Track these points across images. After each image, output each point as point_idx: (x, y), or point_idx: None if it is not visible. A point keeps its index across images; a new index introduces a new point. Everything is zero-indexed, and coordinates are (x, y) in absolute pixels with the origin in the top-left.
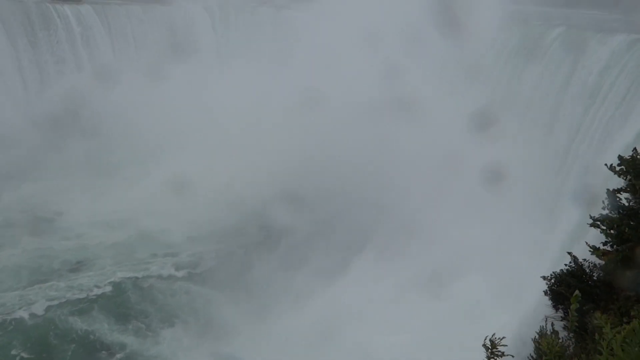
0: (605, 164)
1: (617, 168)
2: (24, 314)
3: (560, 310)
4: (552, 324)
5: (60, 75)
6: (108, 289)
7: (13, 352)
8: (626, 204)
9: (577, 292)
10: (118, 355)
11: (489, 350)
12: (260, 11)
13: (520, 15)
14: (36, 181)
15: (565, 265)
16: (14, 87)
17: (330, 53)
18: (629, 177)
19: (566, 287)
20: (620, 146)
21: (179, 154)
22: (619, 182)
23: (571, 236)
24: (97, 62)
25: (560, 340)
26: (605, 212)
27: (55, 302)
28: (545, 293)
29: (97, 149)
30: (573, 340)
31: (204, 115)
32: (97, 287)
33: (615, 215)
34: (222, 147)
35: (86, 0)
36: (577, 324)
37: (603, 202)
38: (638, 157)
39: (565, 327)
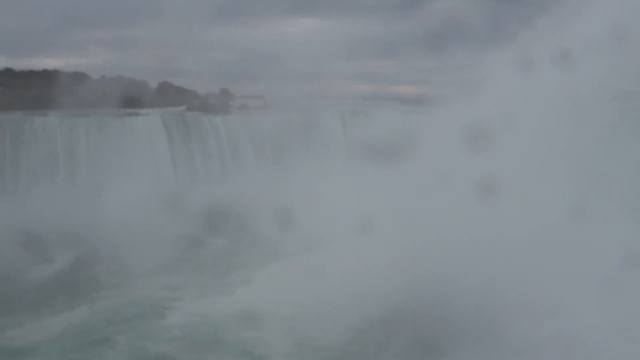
0: None
1: None
2: None
3: None
4: None
5: (208, 178)
6: None
7: None
8: None
9: None
10: None
11: None
12: (385, 113)
13: None
14: (170, 275)
15: None
16: (171, 190)
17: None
18: None
19: None
20: None
21: (300, 258)
22: None
23: None
24: (240, 167)
25: None
26: None
27: None
28: None
29: (234, 248)
30: None
31: (334, 219)
32: None
33: None
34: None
35: (233, 112)
36: None
37: None
38: None
39: None
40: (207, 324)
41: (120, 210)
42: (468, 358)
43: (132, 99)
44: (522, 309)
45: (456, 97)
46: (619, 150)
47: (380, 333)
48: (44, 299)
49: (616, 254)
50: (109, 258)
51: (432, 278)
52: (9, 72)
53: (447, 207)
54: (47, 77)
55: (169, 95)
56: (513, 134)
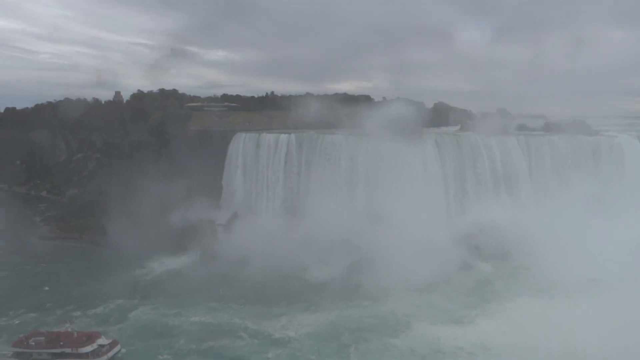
0: None
1: None
2: None
3: None
4: None
5: (479, 200)
6: None
7: None
8: None
9: None
10: None
11: None
12: None
13: None
14: (423, 295)
15: None
16: (440, 210)
17: None
18: None
19: None
20: None
21: (563, 299)
22: None
23: None
24: (513, 189)
25: None
26: None
27: None
28: None
29: (493, 276)
30: None
31: (616, 258)
32: None
33: None
34: None
35: (510, 132)
36: None
37: None
38: None
39: None
40: (435, 352)
41: (390, 223)
42: None
43: (409, 119)
44: None
45: None
46: None
47: None
48: (308, 298)
49: None
50: (378, 270)
51: None
52: (308, 96)
53: None
54: (337, 99)
55: (443, 115)
56: None
